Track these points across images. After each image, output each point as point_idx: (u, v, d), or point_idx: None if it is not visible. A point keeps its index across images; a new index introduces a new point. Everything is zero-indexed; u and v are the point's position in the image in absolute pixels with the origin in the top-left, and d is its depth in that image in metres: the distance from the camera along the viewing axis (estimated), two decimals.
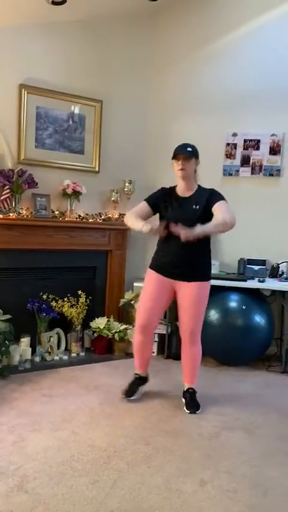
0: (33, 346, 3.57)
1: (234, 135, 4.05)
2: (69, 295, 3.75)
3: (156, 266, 2.82)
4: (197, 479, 2.05)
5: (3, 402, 2.77)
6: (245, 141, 4.04)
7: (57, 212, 3.78)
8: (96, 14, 3.92)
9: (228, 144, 4.07)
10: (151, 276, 2.83)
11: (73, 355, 3.75)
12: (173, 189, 2.84)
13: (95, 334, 3.84)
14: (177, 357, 3.77)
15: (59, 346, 3.71)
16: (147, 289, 2.84)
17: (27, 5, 3.44)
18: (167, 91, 4.29)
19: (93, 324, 3.82)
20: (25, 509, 1.79)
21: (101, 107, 4.05)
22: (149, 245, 4.35)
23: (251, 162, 4.04)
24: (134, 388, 2.92)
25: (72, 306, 3.73)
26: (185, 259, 2.72)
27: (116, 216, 4.06)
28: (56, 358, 3.63)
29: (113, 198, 4.10)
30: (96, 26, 4.02)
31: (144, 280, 2.88)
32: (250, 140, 4.03)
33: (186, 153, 2.69)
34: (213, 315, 3.59)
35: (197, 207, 2.71)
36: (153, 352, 3.89)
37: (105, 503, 1.85)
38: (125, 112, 4.22)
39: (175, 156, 2.73)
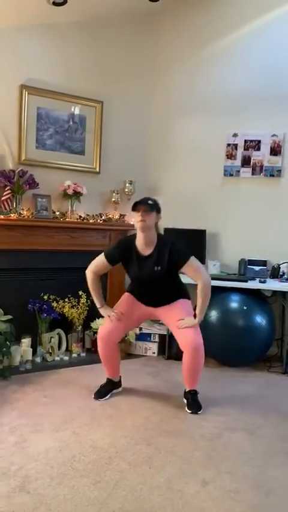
0: (34, 346, 3.57)
1: (235, 135, 4.06)
2: (70, 295, 3.74)
3: (134, 295, 2.93)
4: (198, 479, 2.05)
5: (4, 403, 2.77)
6: (245, 141, 4.04)
7: (58, 213, 3.78)
8: (97, 14, 3.93)
9: (229, 145, 4.07)
10: (127, 296, 2.95)
11: (74, 355, 3.75)
12: (133, 243, 2.82)
13: (96, 335, 3.83)
14: (177, 357, 3.77)
15: (59, 347, 3.70)
16: (119, 306, 2.92)
17: (28, 6, 3.45)
18: (168, 91, 4.30)
19: (94, 325, 3.81)
20: (27, 510, 1.78)
21: (101, 107, 4.05)
22: None
23: (251, 163, 4.05)
24: (106, 390, 2.96)
25: (73, 307, 3.73)
26: (159, 297, 2.86)
27: (117, 216, 4.07)
28: (57, 358, 3.63)
29: (113, 199, 4.10)
30: (97, 27, 4.02)
31: (121, 298, 2.97)
32: (251, 141, 4.04)
33: (147, 206, 2.70)
34: (214, 315, 3.59)
35: (159, 268, 2.74)
36: (154, 353, 3.89)
37: (107, 504, 1.84)
38: (126, 113, 4.23)
39: (135, 208, 2.72)
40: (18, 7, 3.41)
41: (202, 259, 4.01)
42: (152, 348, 3.90)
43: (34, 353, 3.55)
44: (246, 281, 3.67)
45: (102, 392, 2.94)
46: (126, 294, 2.98)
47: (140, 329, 3.89)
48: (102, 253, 2.88)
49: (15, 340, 3.35)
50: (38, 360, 3.55)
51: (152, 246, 2.78)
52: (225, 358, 3.69)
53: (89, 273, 2.88)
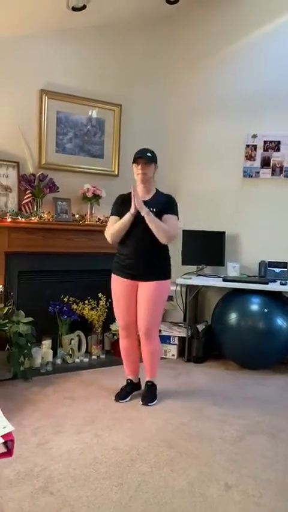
0: (54, 348, 3.60)
1: (254, 136, 4.03)
2: (89, 298, 3.77)
3: (117, 270, 2.94)
4: (221, 483, 2.04)
5: (26, 404, 2.80)
6: (265, 142, 4.01)
7: (77, 216, 3.81)
8: (115, 18, 3.95)
9: (248, 146, 4.05)
10: (115, 280, 2.95)
11: (94, 357, 3.77)
12: (130, 195, 2.85)
13: (115, 337, 3.85)
14: (198, 360, 3.77)
15: (79, 349, 3.73)
16: (116, 292, 2.95)
17: (47, 12, 3.49)
18: (186, 93, 4.30)
19: (113, 327, 3.83)
20: (51, 511, 1.80)
21: (120, 110, 4.07)
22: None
23: (271, 164, 4.01)
24: (126, 392, 2.99)
25: (92, 309, 3.75)
26: (142, 260, 2.83)
27: None
28: (77, 360, 3.66)
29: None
30: (115, 31, 4.04)
31: (111, 285, 2.98)
32: (270, 141, 4.00)
33: (146, 158, 2.78)
34: (235, 318, 3.57)
35: (153, 209, 2.80)
36: (174, 355, 3.89)
37: (130, 506, 1.85)
38: (144, 115, 4.24)
39: (135, 160, 2.81)
40: (37, 13, 3.45)
41: (222, 261, 4.00)
42: (172, 350, 3.89)
43: (55, 355, 3.58)
44: (266, 283, 3.64)
45: (122, 395, 2.96)
46: (112, 277, 2.95)
47: (160, 331, 3.88)
48: (110, 216, 2.96)
49: (36, 342, 3.38)
50: (59, 361, 3.58)
51: (150, 194, 2.88)
52: (246, 361, 3.66)
53: (108, 230, 2.92)
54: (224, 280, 3.73)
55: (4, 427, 1.00)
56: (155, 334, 2.93)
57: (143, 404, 2.87)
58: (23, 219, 3.45)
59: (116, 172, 4.11)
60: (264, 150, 4.02)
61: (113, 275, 2.96)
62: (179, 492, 1.96)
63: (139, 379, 3.09)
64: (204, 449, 2.34)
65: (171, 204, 2.89)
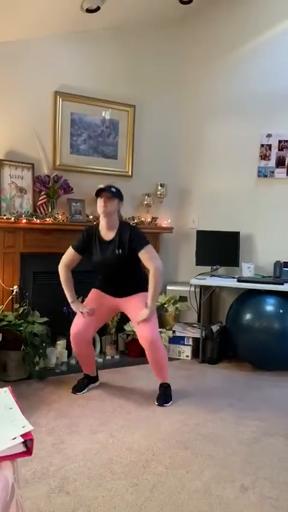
0: (69, 348, 3.62)
1: (269, 136, 4.00)
2: None
3: (101, 288, 3.03)
4: (237, 485, 2.02)
5: (41, 404, 2.82)
6: (279, 141, 3.97)
7: (91, 217, 3.82)
8: (128, 20, 3.96)
9: (262, 145, 4.02)
10: (93, 293, 3.04)
11: (108, 358, 3.78)
12: (96, 229, 2.96)
13: (129, 338, 3.86)
14: (212, 361, 3.75)
15: (94, 349, 3.73)
16: (89, 300, 3.03)
17: (61, 15, 3.51)
18: (199, 94, 4.29)
19: (127, 327, 3.83)
20: (67, 510, 1.81)
21: (133, 111, 4.08)
22: (181, 249, 4.37)
23: (286, 163, 3.97)
24: (83, 385, 3.08)
25: None
26: (121, 286, 2.94)
27: (149, 219, 4.08)
28: None
29: (145, 202, 4.11)
30: (128, 32, 4.06)
31: (89, 295, 3.05)
32: (285, 141, 3.97)
33: (109, 193, 2.81)
34: (249, 319, 3.54)
35: (120, 251, 2.85)
36: (188, 356, 3.87)
37: (145, 507, 1.85)
38: (158, 116, 4.24)
39: (98, 194, 2.83)
40: (52, 16, 3.48)
41: (236, 262, 3.98)
42: (186, 351, 3.88)
43: (69, 355, 3.60)
44: (282, 284, 3.60)
45: (79, 387, 3.05)
46: (94, 290, 3.06)
47: (174, 332, 3.88)
48: (70, 246, 3.00)
49: (50, 342, 3.40)
50: (73, 361, 3.59)
51: (114, 231, 2.90)
52: (261, 362, 3.63)
53: (61, 267, 3.00)
54: (239, 280, 3.71)
55: (23, 427, 1.01)
56: (160, 342, 2.92)
57: (158, 405, 2.87)
58: (38, 220, 3.48)
59: (130, 173, 4.11)
60: (279, 150, 3.98)
61: (94, 289, 3.06)
62: (195, 493, 1.95)
63: (97, 372, 3.18)
64: (219, 451, 2.32)
65: (137, 238, 2.85)
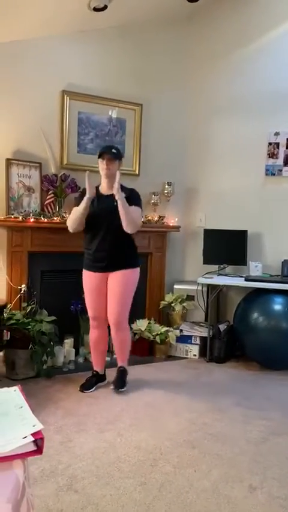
0: (76, 347, 3.64)
1: (277, 134, 3.98)
2: None
3: (87, 266, 3.05)
4: (245, 484, 2.02)
5: (49, 403, 2.83)
6: (287, 139, 3.95)
7: None
8: (135, 19, 3.96)
9: (270, 144, 4.00)
10: (86, 274, 3.06)
11: (115, 356, 3.77)
12: (96, 188, 3.00)
13: (136, 336, 3.86)
14: (219, 360, 3.75)
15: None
16: (87, 286, 3.06)
17: (69, 14, 3.52)
18: (206, 92, 4.27)
19: (134, 326, 3.83)
20: (75, 509, 1.81)
21: (140, 110, 4.08)
22: (188, 248, 4.37)
23: None
24: (91, 383, 3.10)
25: None
26: (110, 251, 2.94)
27: (156, 218, 4.08)
28: None
29: (152, 201, 4.11)
30: (135, 31, 4.05)
31: (83, 280, 3.08)
32: None
33: (111, 155, 2.89)
34: (257, 318, 3.53)
35: (116, 203, 2.87)
36: (195, 355, 3.87)
37: (153, 506, 1.85)
38: (165, 114, 4.23)
39: (100, 156, 2.91)
40: (59, 15, 3.48)
41: (244, 261, 3.97)
42: (193, 350, 3.88)
43: (77, 353, 3.61)
44: None
45: (87, 385, 3.08)
46: (84, 272, 3.06)
47: (181, 331, 3.88)
48: (74, 207, 3.02)
49: (58, 340, 3.41)
50: (81, 360, 3.61)
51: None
52: (268, 361, 3.62)
53: (68, 221, 3.02)
54: (246, 279, 3.70)
55: (34, 426, 1.01)
56: (125, 325, 3.06)
57: (113, 389, 3.00)
58: (46, 219, 3.49)
59: (137, 172, 4.11)
60: (287, 148, 3.96)
61: (84, 271, 3.07)
62: (203, 493, 1.95)
63: (105, 371, 3.21)
64: (227, 450, 2.32)
65: (134, 196, 2.97)
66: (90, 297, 3.06)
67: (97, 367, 3.18)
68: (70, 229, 3.01)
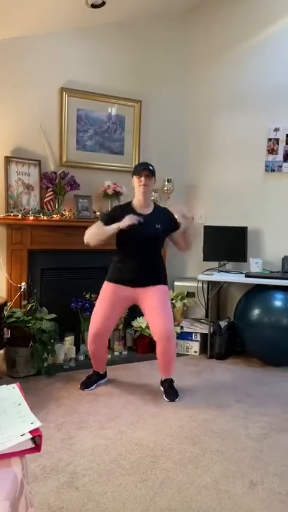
0: (77, 345, 3.64)
1: (276, 130, 3.96)
2: None
3: (114, 279, 2.94)
4: (246, 480, 2.02)
5: (50, 400, 2.83)
6: (287, 135, 3.93)
7: (98, 213, 3.82)
8: (134, 15, 3.94)
9: (270, 140, 3.98)
10: (108, 287, 2.95)
11: (116, 353, 3.78)
12: (129, 206, 2.94)
13: (137, 334, 3.86)
14: (220, 356, 3.74)
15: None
16: (104, 300, 2.94)
17: (67, 10, 3.50)
18: (206, 88, 4.26)
19: (135, 323, 3.84)
20: (76, 506, 1.81)
21: (140, 107, 4.06)
22: None
23: None
24: (92, 381, 3.08)
25: None
26: (145, 269, 2.90)
27: None
28: None
29: (152, 198, 4.08)
30: (134, 27, 4.04)
31: (101, 292, 2.98)
32: None
33: (149, 171, 2.86)
34: (257, 314, 3.53)
35: (159, 226, 2.88)
36: (196, 352, 3.87)
37: (154, 503, 1.85)
38: (164, 111, 4.22)
39: (138, 173, 2.87)
40: (57, 11, 3.47)
41: (244, 257, 3.96)
42: (194, 346, 3.88)
43: (77, 351, 3.61)
44: None
45: (89, 383, 3.06)
46: (107, 284, 2.96)
47: (182, 328, 3.87)
48: (98, 220, 2.99)
49: (59, 338, 3.41)
50: (81, 357, 3.61)
51: (150, 208, 2.94)
52: (269, 358, 3.62)
53: (88, 234, 2.89)
54: (247, 276, 3.69)
55: (32, 423, 1.01)
56: (174, 337, 2.95)
57: (169, 400, 2.87)
58: (45, 217, 3.48)
59: None
60: (286, 144, 3.94)
61: (107, 283, 2.97)
62: (204, 489, 1.95)
63: (105, 369, 3.18)
64: (228, 446, 2.32)
65: (174, 218, 2.96)
66: (104, 308, 2.92)
67: (98, 368, 3.14)
68: (87, 241, 2.89)
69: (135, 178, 2.89)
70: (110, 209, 3.01)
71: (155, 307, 2.86)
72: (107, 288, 2.96)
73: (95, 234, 2.86)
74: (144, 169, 2.85)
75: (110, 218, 2.89)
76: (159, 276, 2.95)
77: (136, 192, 2.91)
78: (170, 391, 2.93)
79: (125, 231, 2.78)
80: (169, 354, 2.91)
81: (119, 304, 2.95)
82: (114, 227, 2.78)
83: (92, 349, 3.01)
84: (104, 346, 3.04)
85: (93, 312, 2.99)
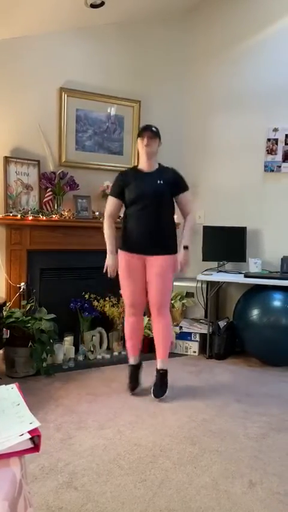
0: (76, 345, 3.64)
1: (275, 130, 3.96)
2: (110, 294, 3.78)
3: (125, 245, 2.91)
4: (245, 480, 2.02)
5: (49, 400, 2.83)
6: (286, 136, 3.94)
7: (97, 213, 3.83)
8: (133, 15, 3.94)
9: (269, 140, 3.99)
10: (123, 256, 2.91)
11: (115, 354, 3.78)
12: (133, 169, 2.99)
13: None
14: (219, 356, 3.75)
15: (101, 345, 3.75)
16: (123, 268, 2.91)
17: (66, 10, 3.50)
18: (205, 89, 4.26)
19: None
20: (75, 506, 1.81)
21: (139, 107, 4.07)
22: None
23: None
24: (136, 379, 3.01)
25: (113, 306, 3.77)
26: (152, 234, 2.84)
27: None
28: (99, 357, 3.68)
29: None
30: (133, 27, 4.04)
31: (119, 262, 2.94)
32: None
33: (151, 132, 2.83)
34: (257, 314, 3.53)
35: (161, 181, 2.85)
36: (195, 352, 3.87)
37: (154, 503, 1.85)
38: (163, 111, 4.22)
39: (140, 134, 2.86)
40: (56, 12, 3.47)
41: (243, 257, 3.96)
42: (193, 347, 3.88)
43: (76, 351, 3.62)
44: None
45: (132, 385, 2.99)
46: (120, 252, 2.92)
47: (181, 328, 3.87)
48: (109, 196, 3.00)
49: (58, 338, 3.41)
50: (80, 358, 3.61)
51: (155, 167, 2.92)
52: (268, 358, 3.62)
53: (105, 218, 2.98)
54: (246, 276, 3.69)
55: (31, 423, 1.01)
56: (167, 311, 2.95)
57: (155, 397, 2.87)
58: (44, 217, 3.49)
59: None
60: (286, 144, 3.95)
61: (119, 251, 2.93)
62: (203, 489, 1.95)
63: (140, 358, 3.08)
64: (227, 446, 2.32)
65: (182, 179, 2.94)
66: (126, 281, 2.90)
67: (133, 352, 3.04)
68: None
69: (139, 141, 2.87)
70: (115, 180, 2.97)
71: (151, 279, 2.86)
72: (121, 257, 2.92)
73: (105, 232, 2.99)
74: (147, 131, 2.82)
75: (117, 190, 2.93)
76: (164, 244, 2.85)
77: (140, 154, 2.91)
78: (158, 384, 2.91)
79: (128, 192, 2.86)
80: (161, 329, 2.91)
81: (137, 272, 2.88)
82: (108, 257, 2.94)
83: (130, 324, 2.99)
84: (141, 319, 3.01)
85: (121, 284, 2.95)
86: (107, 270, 2.94)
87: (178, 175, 2.93)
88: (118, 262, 2.93)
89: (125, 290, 2.95)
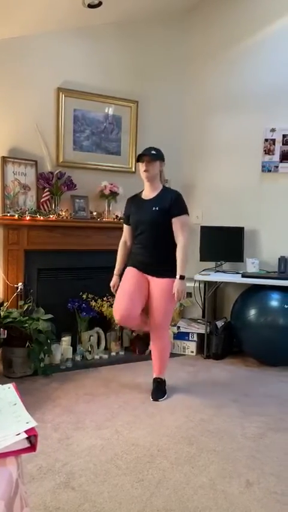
0: (74, 345, 3.63)
1: (273, 130, 3.97)
2: (108, 295, 3.77)
3: (133, 264, 2.95)
4: (242, 480, 2.02)
5: (47, 400, 2.83)
6: (283, 136, 3.94)
7: (95, 213, 3.83)
8: (130, 15, 3.94)
9: (266, 140, 3.99)
10: (129, 271, 2.93)
11: (113, 354, 3.78)
12: (137, 195, 2.98)
13: (134, 334, 3.86)
14: (217, 356, 3.75)
15: (99, 345, 3.75)
16: (126, 282, 2.88)
17: (63, 10, 3.50)
18: (203, 89, 4.26)
19: None
20: (72, 506, 1.81)
21: (136, 107, 4.07)
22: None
23: None
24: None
25: (111, 306, 3.76)
26: (153, 257, 2.86)
27: None
28: (96, 357, 3.68)
29: None
30: (131, 27, 4.04)
31: (123, 277, 2.95)
32: None
33: (150, 156, 2.79)
34: (254, 314, 3.53)
35: (156, 208, 2.81)
36: (192, 352, 3.87)
37: (151, 503, 1.85)
38: (161, 111, 4.23)
39: (139, 159, 2.83)
40: (53, 11, 3.46)
41: (240, 257, 3.97)
42: (191, 347, 3.88)
43: (74, 351, 3.61)
44: (286, 279, 3.58)
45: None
46: (128, 269, 2.96)
47: (178, 328, 3.88)
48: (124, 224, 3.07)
49: (55, 338, 3.41)
50: (78, 358, 3.61)
51: (156, 192, 2.88)
52: (266, 358, 3.63)
53: (120, 243, 3.07)
54: (243, 276, 3.70)
55: (27, 423, 1.01)
56: (165, 333, 2.95)
57: (153, 400, 2.88)
58: (42, 217, 3.48)
59: (133, 169, 4.10)
60: (283, 144, 3.95)
61: (127, 267, 2.98)
62: (200, 489, 1.95)
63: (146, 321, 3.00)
64: (225, 446, 2.32)
65: (178, 201, 2.83)
66: (124, 290, 2.84)
67: (141, 325, 3.02)
68: None
69: (139, 165, 2.86)
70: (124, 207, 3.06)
71: (153, 299, 2.86)
72: (128, 272, 2.93)
73: (118, 254, 3.08)
74: (145, 155, 2.79)
75: (126, 218, 3.01)
76: (166, 268, 2.83)
77: (143, 179, 2.89)
78: (155, 391, 2.93)
79: (131, 218, 2.93)
80: (156, 350, 2.95)
81: (142, 286, 2.86)
82: (114, 277, 3.05)
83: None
84: (137, 323, 2.94)
85: (116, 297, 2.91)
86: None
87: (175, 200, 2.82)
88: (123, 279, 2.96)
89: (120, 298, 2.85)
